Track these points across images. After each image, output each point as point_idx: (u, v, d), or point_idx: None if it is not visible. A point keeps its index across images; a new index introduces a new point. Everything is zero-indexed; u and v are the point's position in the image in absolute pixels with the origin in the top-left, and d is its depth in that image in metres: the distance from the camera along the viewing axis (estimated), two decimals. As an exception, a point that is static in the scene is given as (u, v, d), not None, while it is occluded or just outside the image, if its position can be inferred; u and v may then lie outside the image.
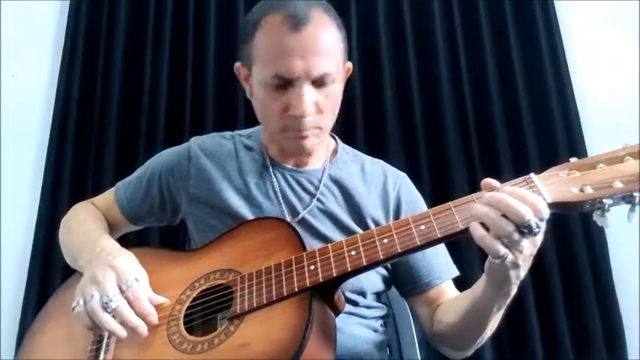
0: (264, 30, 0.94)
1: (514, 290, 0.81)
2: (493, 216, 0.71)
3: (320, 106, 0.95)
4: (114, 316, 0.83)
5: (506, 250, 0.71)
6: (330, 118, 1.00)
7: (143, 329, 0.84)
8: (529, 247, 0.73)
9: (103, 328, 0.84)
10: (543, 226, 0.71)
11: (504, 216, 0.70)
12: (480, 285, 0.85)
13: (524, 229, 0.70)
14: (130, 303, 0.85)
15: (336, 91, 0.98)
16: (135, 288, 0.86)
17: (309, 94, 0.93)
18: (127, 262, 0.91)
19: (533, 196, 0.72)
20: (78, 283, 0.91)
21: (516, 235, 0.70)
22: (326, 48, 0.93)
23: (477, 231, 0.73)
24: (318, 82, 0.94)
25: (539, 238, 0.73)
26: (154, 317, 0.85)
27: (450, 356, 1.03)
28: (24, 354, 0.96)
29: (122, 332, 0.83)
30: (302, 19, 0.91)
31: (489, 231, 0.72)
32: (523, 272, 0.77)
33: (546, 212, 0.71)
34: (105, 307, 0.83)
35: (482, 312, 0.87)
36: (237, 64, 1.05)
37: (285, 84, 0.93)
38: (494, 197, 0.72)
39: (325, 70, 0.93)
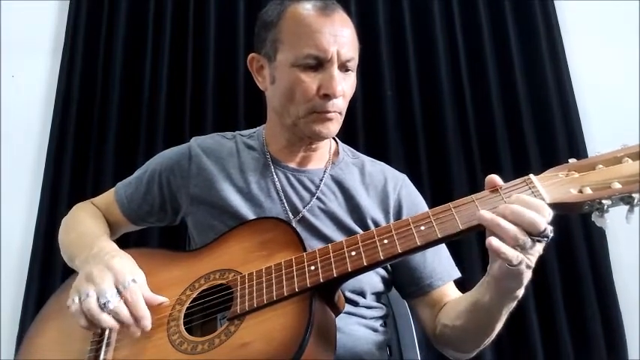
0: (295, 14, 0.98)
1: (522, 292, 0.80)
2: (511, 229, 0.70)
3: (343, 91, 0.98)
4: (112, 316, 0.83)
5: (523, 257, 0.72)
6: (346, 105, 1.02)
7: (138, 329, 0.83)
8: (540, 249, 0.74)
9: (101, 327, 0.83)
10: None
11: (517, 225, 0.70)
12: (485, 289, 0.84)
13: (541, 237, 0.71)
14: (126, 304, 0.84)
15: (354, 79, 1.02)
16: (132, 289, 0.85)
17: (338, 76, 0.96)
18: (124, 262, 0.90)
19: (542, 205, 0.72)
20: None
21: (529, 243, 0.71)
22: (351, 35, 1.00)
23: (494, 245, 0.71)
24: (344, 67, 0.98)
25: None
26: (148, 322, 0.84)
27: (454, 358, 1.02)
28: (22, 355, 0.95)
29: (118, 329, 0.84)
30: (330, 6, 0.99)
31: (503, 240, 0.71)
32: (531, 273, 0.77)
33: (551, 215, 0.72)
34: (102, 308, 0.82)
35: (489, 315, 0.87)
36: (252, 55, 1.07)
37: (316, 65, 0.96)
38: (507, 209, 0.72)
39: (352, 55, 0.99)
